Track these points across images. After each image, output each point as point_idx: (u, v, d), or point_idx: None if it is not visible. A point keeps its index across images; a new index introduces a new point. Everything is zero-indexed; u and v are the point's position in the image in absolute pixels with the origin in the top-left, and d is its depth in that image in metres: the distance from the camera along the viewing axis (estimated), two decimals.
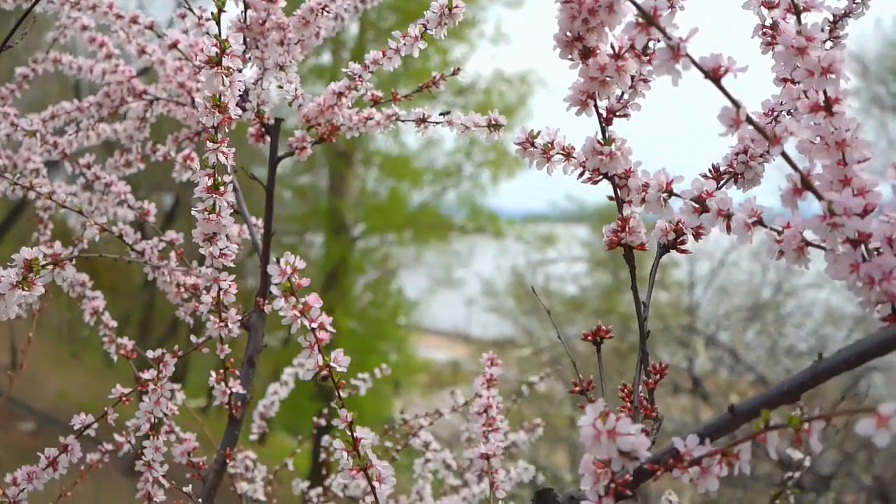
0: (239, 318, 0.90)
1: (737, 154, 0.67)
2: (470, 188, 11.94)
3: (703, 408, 6.76)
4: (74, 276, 1.13)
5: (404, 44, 0.88)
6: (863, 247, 0.52)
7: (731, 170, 0.68)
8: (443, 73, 0.99)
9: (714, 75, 0.50)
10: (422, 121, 0.96)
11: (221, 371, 0.95)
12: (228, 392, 0.96)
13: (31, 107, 1.42)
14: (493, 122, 0.83)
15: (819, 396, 6.19)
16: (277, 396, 1.43)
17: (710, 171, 0.68)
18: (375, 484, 0.64)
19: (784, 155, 0.51)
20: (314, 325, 0.62)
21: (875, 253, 0.51)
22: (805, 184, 0.51)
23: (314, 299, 0.62)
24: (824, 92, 0.53)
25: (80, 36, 1.22)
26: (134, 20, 1.09)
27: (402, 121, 0.97)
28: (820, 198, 0.51)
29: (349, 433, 0.64)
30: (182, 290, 1.02)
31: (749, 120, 0.50)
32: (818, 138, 0.53)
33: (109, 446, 1.09)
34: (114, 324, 1.09)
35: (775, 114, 0.68)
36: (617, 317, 8.11)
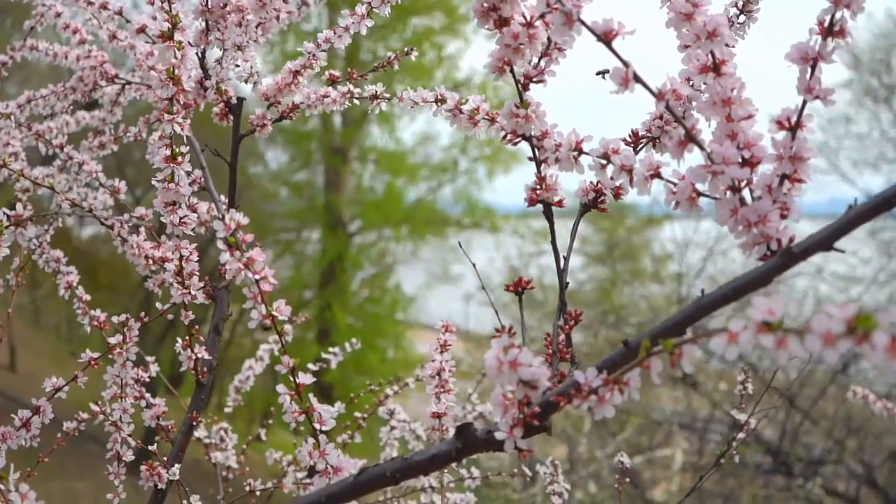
0: (202, 285, 0.95)
1: (654, 119, 0.72)
2: (466, 183, 11.99)
3: (695, 398, 6.82)
4: (50, 253, 1.18)
5: (353, 22, 0.94)
6: (746, 193, 0.57)
7: (648, 134, 0.73)
8: (397, 53, 1.04)
9: (606, 38, 0.55)
10: (374, 97, 1.01)
11: (188, 337, 1.00)
12: (194, 357, 1.01)
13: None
14: (439, 97, 0.87)
15: (809, 385, 6.23)
16: (252, 372, 1.49)
17: (629, 135, 0.73)
18: (317, 425, 0.69)
19: (669, 110, 0.56)
20: (258, 276, 0.67)
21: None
22: (689, 137, 0.56)
23: (258, 253, 0.67)
24: (712, 54, 0.58)
25: (55, 23, 1.27)
26: (104, 6, 1.14)
27: (358, 98, 1.02)
28: (702, 149, 0.55)
29: (291, 378, 0.69)
30: (150, 262, 1.07)
31: (636, 78, 0.55)
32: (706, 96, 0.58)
33: (85, 415, 1.14)
34: (87, 297, 1.14)
35: (691, 81, 0.73)
36: (612, 308, 8.16)
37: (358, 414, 1.34)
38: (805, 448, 5.98)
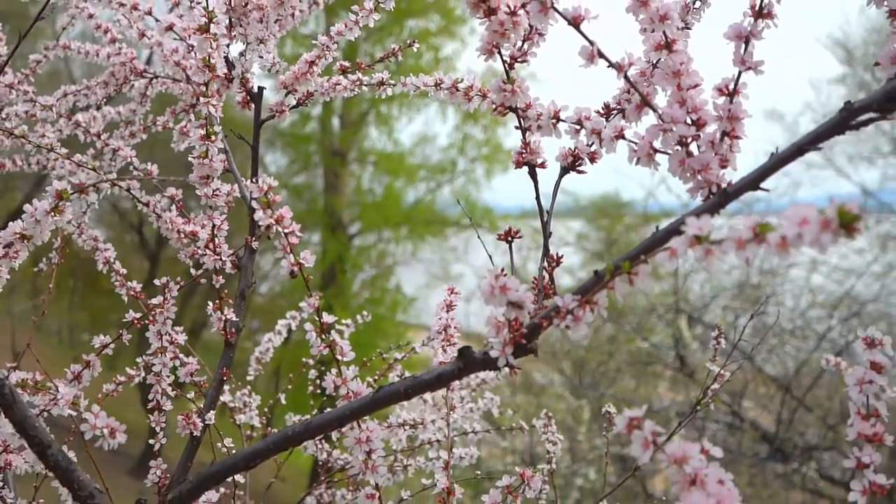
0: (231, 252, 1.07)
1: (622, 93, 0.85)
2: (464, 184, 12.11)
3: (692, 386, 6.94)
4: (89, 232, 1.31)
5: (361, 16, 1.06)
6: (693, 147, 0.69)
7: (618, 106, 0.85)
8: (401, 45, 1.16)
9: (575, 23, 0.68)
10: (381, 84, 1.13)
11: (218, 301, 1.12)
12: (224, 319, 1.13)
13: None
14: (438, 81, 1.00)
15: (803, 374, 6.35)
16: (271, 344, 1.61)
17: (602, 107, 0.85)
18: (339, 357, 0.81)
19: (627, 79, 0.68)
20: (286, 231, 0.79)
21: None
22: (644, 101, 0.68)
23: (286, 211, 0.80)
24: (664, 34, 0.70)
25: (87, 24, 1.39)
26: (134, 7, 1.26)
27: (365, 85, 1.14)
28: (655, 111, 0.68)
29: (317, 319, 0.81)
30: (182, 236, 1.19)
31: (600, 54, 0.67)
32: (661, 70, 0.71)
33: (123, 377, 1.26)
34: (124, 271, 1.26)
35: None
36: (611, 306, 8.28)
37: (369, 378, 1.46)
38: (800, 435, 6.10)
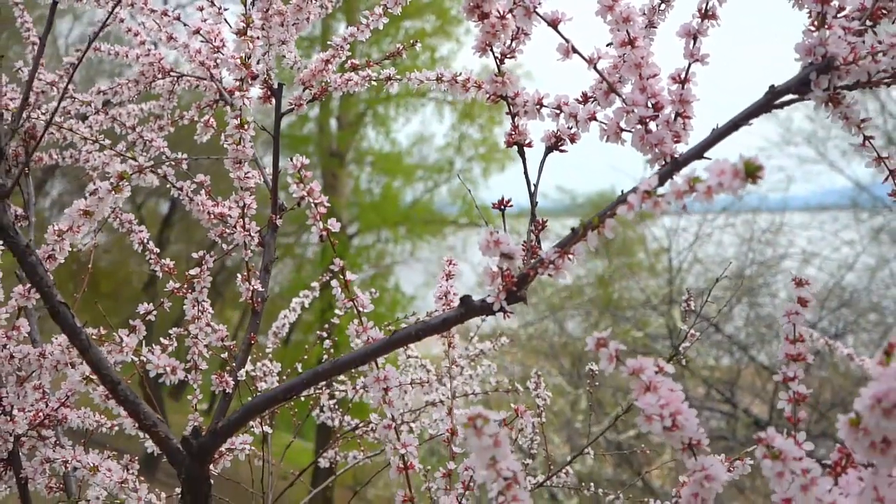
0: (258, 228, 1.22)
1: (597, 84, 0.99)
2: (461, 183, 12.24)
3: (687, 375, 7.11)
4: (124, 216, 1.45)
5: (372, 20, 1.21)
6: (652, 125, 0.84)
7: (593, 94, 1.00)
8: (404, 44, 1.31)
9: (553, 24, 0.82)
10: (388, 79, 1.28)
11: (245, 273, 1.27)
12: (251, 290, 1.28)
13: None
14: (439, 76, 1.14)
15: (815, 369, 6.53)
16: (287, 320, 1.76)
17: (581, 95, 1.00)
18: (360, 308, 0.96)
19: (596, 70, 0.83)
20: (317, 201, 0.94)
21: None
22: (610, 88, 0.83)
23: (316, 185, 0.94)
24: (627, 33, 0.85)
25: (118, 27, 1.53)
26: (164, 13, 1.41)
27: (375, 80, 1.29)
28: (619, 96, 0.83)
29: (342, 276, 0.96)
30: (211, 217, 1.34)
31: (574, 50, 0.82)
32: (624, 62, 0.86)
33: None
34: (157, 250, 1.41)
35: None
36: (610, 304, 8.46)
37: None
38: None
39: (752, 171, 0.59)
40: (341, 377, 1.80)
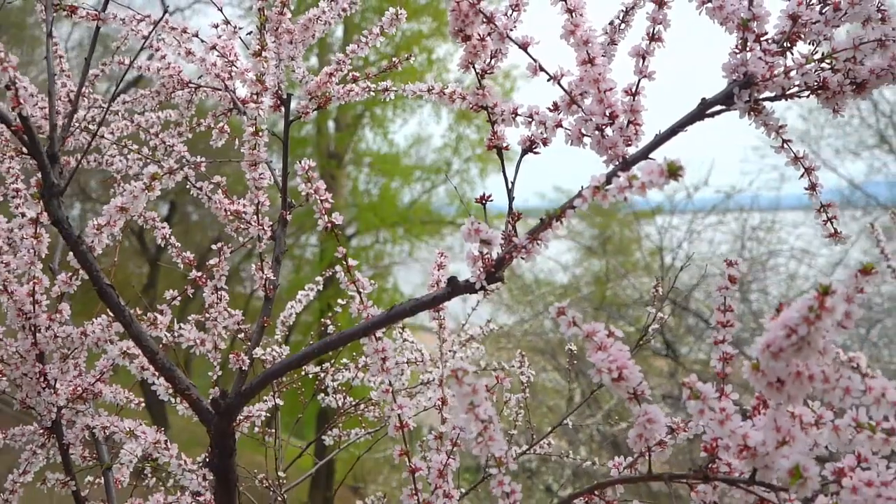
0: (271, 223, 1.37)
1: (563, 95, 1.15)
2: (459, 183, 12.40)
3: (681, 370, 7.27)
4: (147, 214, 1.61)
5: (370, 38, 1.37)
6: (608, 131, 0.99)
7: (563, 104, 1.15)
8: (399, 57, 1.47)
9: (523, 46, 0.98)
10: (386, 90, 1.44)
11: (259, 263, 1.43)
12: (264, 278, 1.43)
13: None
14: (431, 87, 1.30)
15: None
16: (294, 310, 1.92)
17: (552, 104, 1.16)
18: (361, 289, 1.11)
19: (560, 86, 0.98)
20: (322, 198, 1.09)
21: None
22: (572, 100, 0.99)
23: (322, 183, 1.10)
24: (586, 52, 1.01)
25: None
26: (184, 30, 1.56)
27: (374, 91, 1.45)
28: (579, 107, 0.98)
29: (345, 262, 1.12)
30: (227, 213, 1.49)
31: (541, 68, 0.98)
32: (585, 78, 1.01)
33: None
34: (178, 244, 1.56)
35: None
36: (609, 302, 8.62)
37: None
38: None
39: (674, 171, 0.74)
40: (342, 380, 1.96)
